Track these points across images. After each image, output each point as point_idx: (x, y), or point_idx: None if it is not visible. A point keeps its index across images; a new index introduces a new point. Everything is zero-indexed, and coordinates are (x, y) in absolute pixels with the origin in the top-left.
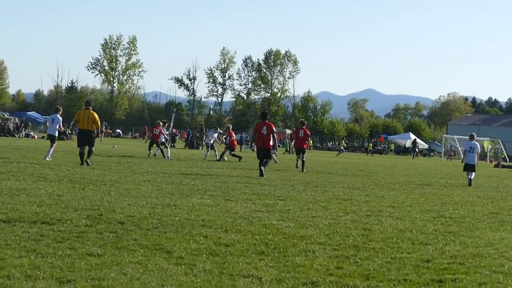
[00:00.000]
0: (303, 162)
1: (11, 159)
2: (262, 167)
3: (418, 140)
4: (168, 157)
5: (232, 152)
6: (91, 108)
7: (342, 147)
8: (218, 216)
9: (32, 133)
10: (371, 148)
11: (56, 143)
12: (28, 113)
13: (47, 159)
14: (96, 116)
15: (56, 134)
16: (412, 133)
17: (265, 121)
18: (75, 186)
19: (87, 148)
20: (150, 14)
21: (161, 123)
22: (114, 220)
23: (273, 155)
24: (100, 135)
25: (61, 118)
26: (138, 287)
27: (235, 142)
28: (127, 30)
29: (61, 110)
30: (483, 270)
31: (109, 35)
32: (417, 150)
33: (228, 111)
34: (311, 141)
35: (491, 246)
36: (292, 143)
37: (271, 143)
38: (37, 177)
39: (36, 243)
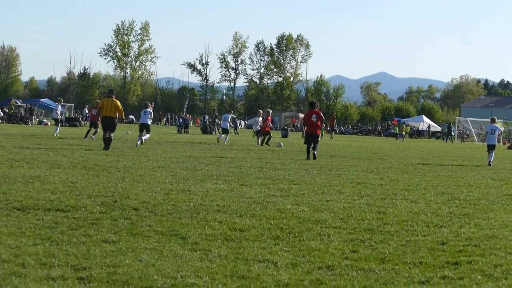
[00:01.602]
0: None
1: (24, 146)
2: (314, 151)
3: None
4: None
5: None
6: (113, 96)
7: (404, 132)
8: (232, 201)
9: (45, 120)
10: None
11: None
12: (41, 100)
13: (138, 144)
14: (119, 103)
15: (149, 123)
16: (425, 116)
17: (314, 109)
18: (89, 173)
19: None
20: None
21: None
22: (128, 207)
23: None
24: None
25: (151, 111)
26: (153, 273)
27: (268, 128)
28: (140, 16)
29: (151, 105)
30: (499, 252)
31: (122, 21)
32: (452, 134)
33: (241, 96)
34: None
35: (506, 227)
36: (304, 129)
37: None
38: (51, 164)
39: (51, 231)
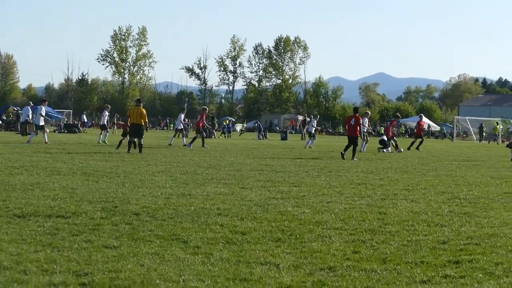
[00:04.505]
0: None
1: (23, 153)
2: (343, 152)
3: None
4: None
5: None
6: (141, 105)
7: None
8: (233, 204)
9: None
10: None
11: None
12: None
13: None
14: (144, 111)
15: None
16: (424, 115)
17: (355, 114)
18: (89, 178)
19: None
20: (159, 4)
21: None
22: (129, 212)
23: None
24: (111, 127)
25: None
26: (155, 277)
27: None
28: (137, 21)
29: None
30: (499, 250)
31: (119, 27)
32: (484, 134)
33: (239, 99)
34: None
35: (506, 225)
36: (342, 131)
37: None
38: (51, 171)
39: (52, 237)
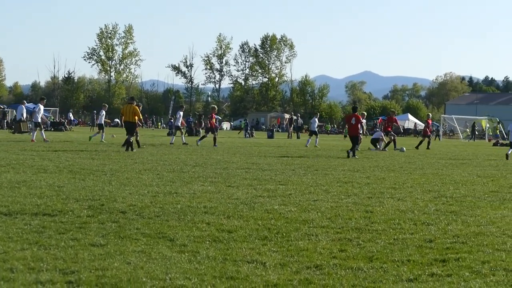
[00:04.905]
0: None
1: (9, 151)
2: (349, 150)
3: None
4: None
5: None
6: (134, 103)
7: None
8: (220, 203)
9: (30, 125)
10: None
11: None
12: (37, 105)
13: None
14: (137, 108)
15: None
16: (410, 114)
17: (354, 113)
18: (76, 176)
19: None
20: (146, 2)
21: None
22: (116, 210)
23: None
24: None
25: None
26: (142, 276)
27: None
28: (123, 19)
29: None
30: (486, 249)
31: (105, 25)
32: (476, 133)
33: (226, 97)
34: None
35: (493, 224)
36: (344, 130)
37: (360, 131)
38: (37, 169)
39: (38, 235)
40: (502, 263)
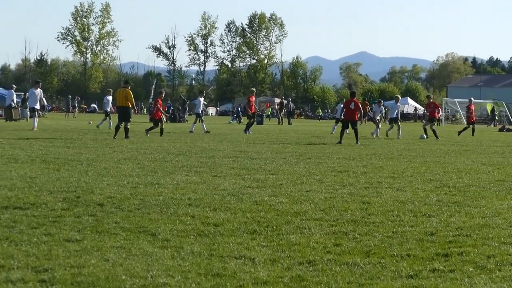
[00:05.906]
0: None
1: None
2: (356, 136)
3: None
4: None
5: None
6: (128, 87)
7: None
8: (205, 194)
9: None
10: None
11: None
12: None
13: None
14: (130, 92)
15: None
16: (410, 97)
17: (353, 99)
18: (49, 167)
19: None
20: None
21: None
22: (92, 202)
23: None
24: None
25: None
26: (121, 273)
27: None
28: None
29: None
30: (491, 242)
31: (80, 3)
32: (496, 118)
33: (211, 80)
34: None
35: (499, 215)
36: (341, 116)
37: (357, 115)
38: (7, 158)
39: (9, 230)
40: (509, 258)
